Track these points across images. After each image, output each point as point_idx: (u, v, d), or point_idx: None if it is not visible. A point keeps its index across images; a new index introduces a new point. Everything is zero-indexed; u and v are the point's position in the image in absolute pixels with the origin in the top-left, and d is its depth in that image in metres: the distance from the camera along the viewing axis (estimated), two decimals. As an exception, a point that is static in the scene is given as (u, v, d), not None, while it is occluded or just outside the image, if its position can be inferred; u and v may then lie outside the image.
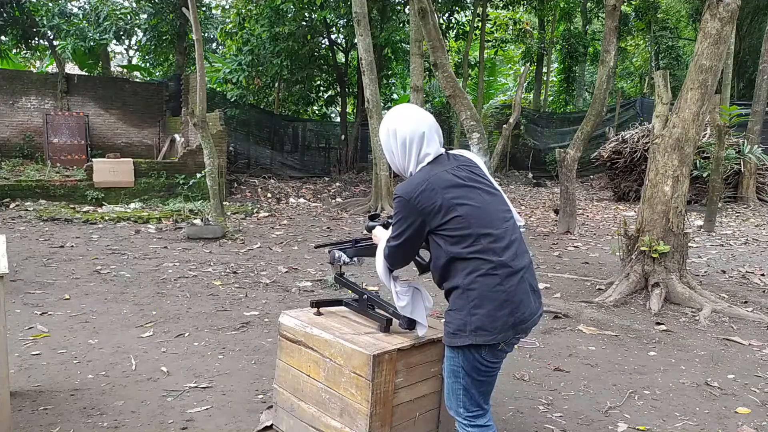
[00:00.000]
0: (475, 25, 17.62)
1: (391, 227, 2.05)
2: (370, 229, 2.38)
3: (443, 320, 2.00)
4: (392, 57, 17.81)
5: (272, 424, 2.75)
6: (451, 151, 2.07)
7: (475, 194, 1.92)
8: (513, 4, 18.61)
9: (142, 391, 3.20)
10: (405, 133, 1.96)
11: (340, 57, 19.25)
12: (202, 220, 8.76)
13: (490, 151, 7.22)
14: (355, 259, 2.56)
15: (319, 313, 2.62)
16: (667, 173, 5.28)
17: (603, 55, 8.71)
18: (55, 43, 16.46)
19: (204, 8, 18.75)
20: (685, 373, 3.73)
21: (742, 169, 12.56)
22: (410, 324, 2.31)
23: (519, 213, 2.10)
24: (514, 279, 1.86)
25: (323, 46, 18.27)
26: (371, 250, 2.45)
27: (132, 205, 11.16)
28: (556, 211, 10.29)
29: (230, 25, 16.03)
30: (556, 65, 24.76)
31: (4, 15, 15.10)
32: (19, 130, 15.22)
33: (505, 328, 1.85)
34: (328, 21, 16.24)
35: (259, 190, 14.38)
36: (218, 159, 9.67)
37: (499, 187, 2.05)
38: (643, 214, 5.42)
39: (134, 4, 17.27)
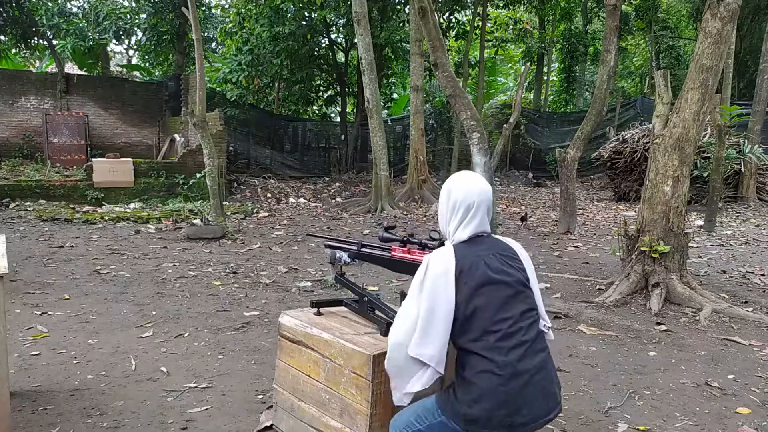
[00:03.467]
0: (476, 25, 17.62)
1: (407, 298, 1.95)
2: (384, 240, 2.39)
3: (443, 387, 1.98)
4: (392, 57, 17.81)
5: (272, 424, 2.74)
6: (496, 236, 2.06)
7: (499, 290, 1.88)
8: (513, 4, 18.59)
9: (142, 391, 3.20)
10: (457, 197, 2.00)
11: (340, 57, 19.25)
12: (202, 220, 8.76)
13: (490, 151, 7.21)
14: (356, 259, 2.56)
15: (319, 313, 2.62)
16: (667, 173, 5.28)
17: (604, 55, 8.71)
18: (55, 42, 16.45)
19: (204, 8, 18.74)
20: (686, 373, 3.72)
21: (743, 169, 12.56)
22: None
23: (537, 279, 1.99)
24: (517, 381, 1.80)
25: (323, 45, 18.27)
26: (374, 259, 2.47)
27: (132, 205, 11.16)
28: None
29: (230, 25, 16.03)
30: (556, 65, 24.75)
31: (4, 15, 15.09)
32: (18, 130, 15.21)
33: (500, 427, 1.80)
34: (328, 21, 16.25)
35: (259, 190, 14.38)
36: (218, 159, 9.67)
37: (535, 283, 2.00)
38: (644, 214, 5.42)
39: (134, 4, 17.25)
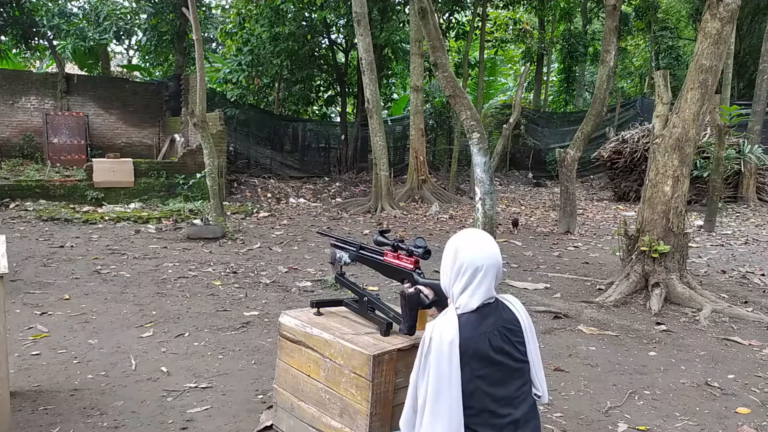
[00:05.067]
0: (475, 25, 17.61)
1: (414, 374, 1.91)
2: (378, 243, 2.41)
3: None
4: (392, 57, 17.81)
5: (272, 424, 2.74)
6: (501, 298, 1.97)
7: (499, 371, 1.87)
8: (513, 4, 18.59)
9: (142, 391, 3.20)
10: (464, 259, 1.90)
11: (340, 57, 19.25)
12: (202, 220, 8.76)
13: (490, 151, 7.22)
14: (356, 261, 2.58)
15: (319, 313, 2.62)
16: (667, 173, 5.28)
17: (603, 55, 8.72)
18: (55, 43, 16.45)
19: (204, 8, 18.75)
20: (685, 373, 3.73)
21: (743, 169, 12.56)
22: (411, 330, 2.31)
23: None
24: None
25: (323, 46, 18.27)
26: (369, 261, 2.48)
27: (132, 205, 11.16)
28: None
29: (230, 25, 16.04)
30: (556, 65, 24.76)
31: (4, 15, 15.09)
32: (19, 130, 15.21)
33: None
34: (328, 21, 16.24)
35: (259, 190, 14.38)
36: (218, 159, 9.67)
37: (532, 352, 1.96)
38: (643, 214, 5.42)
39: (134, 4, 17.27)
